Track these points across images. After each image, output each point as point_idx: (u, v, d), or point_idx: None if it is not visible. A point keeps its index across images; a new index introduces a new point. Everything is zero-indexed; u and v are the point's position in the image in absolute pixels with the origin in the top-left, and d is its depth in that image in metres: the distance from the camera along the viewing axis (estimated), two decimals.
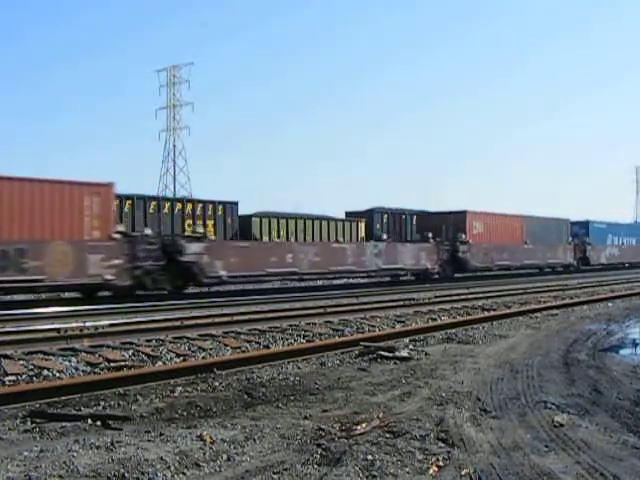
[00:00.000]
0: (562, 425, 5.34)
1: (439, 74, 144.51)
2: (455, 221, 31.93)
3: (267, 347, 10.13)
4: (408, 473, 4.28)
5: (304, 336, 11.22)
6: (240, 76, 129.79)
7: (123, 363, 8.63)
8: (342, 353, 9.19)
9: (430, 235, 30.30)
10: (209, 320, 12.87)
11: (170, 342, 10.25)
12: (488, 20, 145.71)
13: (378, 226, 32.11)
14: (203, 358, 9.13)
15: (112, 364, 8.56)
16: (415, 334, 11.01)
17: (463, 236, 31.47)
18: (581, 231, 42.37)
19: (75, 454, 4.64)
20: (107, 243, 18.82)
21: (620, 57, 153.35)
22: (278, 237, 26.95)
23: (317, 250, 25.23)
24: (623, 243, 46.92)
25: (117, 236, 19.47)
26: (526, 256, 35.20)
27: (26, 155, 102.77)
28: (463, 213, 32.26)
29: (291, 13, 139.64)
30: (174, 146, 72.16)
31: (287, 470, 4.32)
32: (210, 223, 24.94)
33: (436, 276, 29.95)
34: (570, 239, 40.24)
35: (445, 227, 31.55)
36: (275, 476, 4.23)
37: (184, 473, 4.30)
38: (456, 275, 31.43)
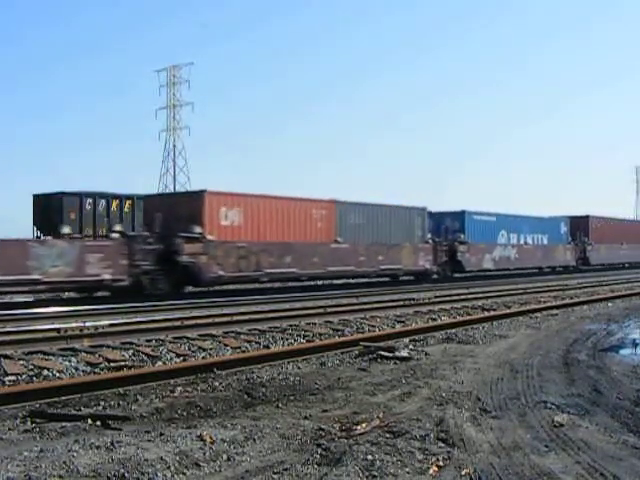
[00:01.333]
0: (562, 425, 5.34)
1: (438, 74, 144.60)
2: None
3: (267, 347, 10.12)
4: (408, 473, 4.28)
5: (304, 336, 11.22)
6: (240, 76, 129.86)
7: (123, 363, 8.63)
8: (342, 353, 9.19)
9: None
10: (209, 320, 12.87)
11: (170, 342, 10.25)
12: (488, 20, 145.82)
13: None
14: (203, 358, 9.13)
15: (112, 364, 8.55)
16: (415, 334, 11.01)
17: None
18: (453, 225, 31.54)
19: (75, 454, 4.64)
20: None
21: (620, 57, 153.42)
22: None
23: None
24: (526, 241, 36.12)
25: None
26: (332, 262, 24.19)
27: (26, 155, 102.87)
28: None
29: (291, 13, 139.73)
30: (174, 146, 72.11)
31: (287, 470, 4.32)
32: None
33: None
34: (429, 236, 29.39)
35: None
36: (275, 476, 4.23)
37: (184, 473, 4.30)
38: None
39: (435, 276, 29.42)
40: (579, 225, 40.78)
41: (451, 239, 30.89)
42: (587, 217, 41.69)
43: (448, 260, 30.46)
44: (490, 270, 32.88)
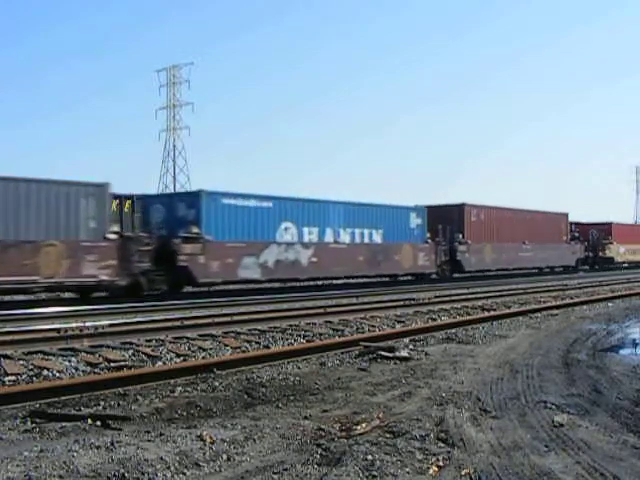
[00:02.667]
0: (562, 425, 5.34)
1: (437, 74, 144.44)
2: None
3: (267, 347, 10.12)
4: (408, 473, 4.28)
5: (304, 336, 11.22)
6: (240, 76, 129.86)
7: (123, 363, 8.63)
8: (342, 353, 9.19)
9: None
10: (209, 320, 12.86)
11: (170, 342, 10.25)
12: (488, 20, 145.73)
13: None
14: (203, 358, 9.13)
15: (112, 364, 8.56)
16: (415, 334, 11.01)
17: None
18: (187, 213, 21.16)
19: (75, 454, 4.64)
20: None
21: (620, 57, 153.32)
22: None
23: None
24: (337, 238, 25.39)
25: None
26: None
27: (26, 155, 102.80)
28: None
29: (291, 13, 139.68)
30: (174, 146, 72.21)
31: (287, 470, 4.32)
32: None
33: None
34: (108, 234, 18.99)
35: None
36: (275, 476, 4.23)
37: (184, 473, 4.30)
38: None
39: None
40: (447, 217, 30.63)
41: (165, 235, 20.62)
42: (462, 206, 31.61)
43: (168, 269, 20.29)
44: (258, 281, 22.81)
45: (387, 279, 28.71)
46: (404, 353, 8.97)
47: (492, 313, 14.66)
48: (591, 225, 45.25)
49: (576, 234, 41.72)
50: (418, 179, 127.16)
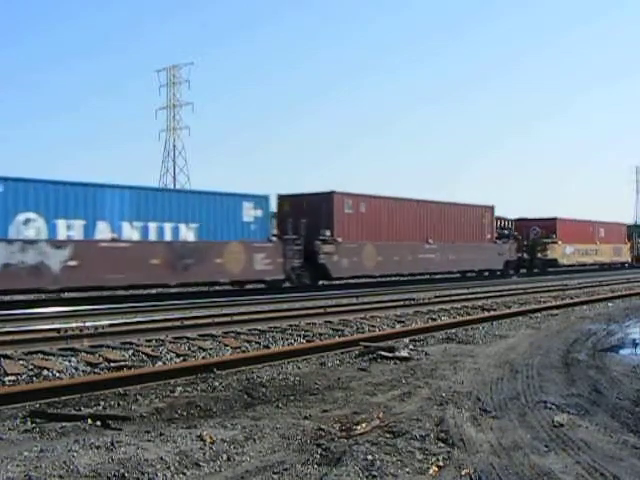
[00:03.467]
0: (562, 425, 5.34)
1: (437, 75, 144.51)
2: None
3: (267, 347, 10.12)
4: (408, 473, 4.28)
5: (304, 336, 11.22)
6: (240, 76, 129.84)
7: (123, 363, 8.63)
8: (342, 353, 9.18)
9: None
10: (209, 320, 12.86)
11: (170, 342, 10.25)
12: (488, 20, 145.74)
13: None
14: (203, 358, 9.13)
15: (112, 364, 8.56)
16: (415, 334, 11.01)
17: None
18: None
19: (75, 454, 4.64)
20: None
21: (620, 57, 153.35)
22: None
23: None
24: (116, 235, 19.19)
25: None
26: None
27: (26, 155, 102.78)
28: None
29: (291, 13, 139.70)
30: (174, 146, 72.15)
31: (287, 470, 4.32)
32: None
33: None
34: None
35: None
36: (275, 476, 4.23)
37: (184, 473, 4.30)
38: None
39: None
40: (313, 209, 24.58)
41: None
42: (330, 195, 24.91)
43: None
44: None
45: (206, 288, 22.69)
46: (404, 353, 8.96)
47: (492, 313, 14.67)
48: (534, 221, 39.42)
49: (506, 231, 35.63)
50: (418, 179, 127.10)
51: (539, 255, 38.18)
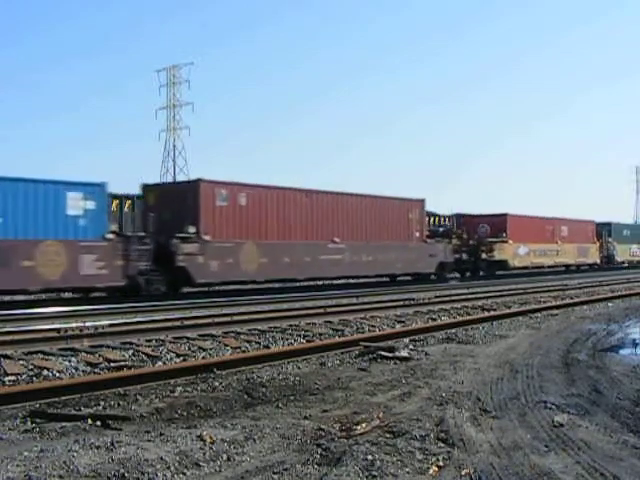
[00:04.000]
0: (562, 425, 5.34)
1: (437, 75, 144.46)
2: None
3: (267, 347, 10.12)
4: (408, 473, 4.28)
5: (304, 336, 11.21)
6: (240, 76, 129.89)
7: (123, 363, 8.63)
8: (342, 353, 9.18)
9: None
10: (209, 320, 12.86)
11: (170, 342, 10.25)
12: (488, 20, 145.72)
13: None
14: (203, 358, 9.13)
15: (112, 364, 8.55)
16: (415, 334, 11.00)
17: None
18: None
19: (75, 454, 4.64)
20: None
21: (620, 57, 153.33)
22: None
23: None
24: None
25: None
26: None
27: (26, 155, 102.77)
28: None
29: (291, 13, 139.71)
30: (174, 146, 72.11)
31: (287, 470, 4.32)
32: None
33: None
34: None
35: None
36: (275, 476, 4.23)
37: (184, 473, 4.30)
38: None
39: None
40: (178, 202, 21.18)
41: None
42: (196, 183, 21.33)
43: None
44: None
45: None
46: (404, 353, 8.96)
47: (492, 313, 14.66)
48: (483, 218, 34.90)
49: (440, 229, 32.13)
50: (418, 179, 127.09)
51: (484, 256, 32.92)
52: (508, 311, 14.93)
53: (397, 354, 8.84)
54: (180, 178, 70.64)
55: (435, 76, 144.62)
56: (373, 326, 12.57)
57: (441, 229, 32.38)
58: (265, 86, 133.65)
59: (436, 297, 19.16)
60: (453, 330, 11.64)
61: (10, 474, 4.25)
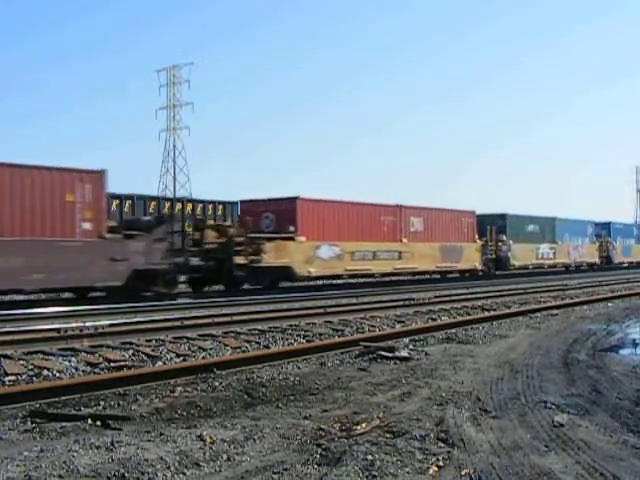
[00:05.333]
0: (562, 425, 5.34)
1: (437, 75, 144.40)
2: None
3: (267, 347, 10.12)
4: (408, 473, 4.27)
5: (304, 336, 11.21)
6: (240, 76, 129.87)
7: (123, 363, 8.63)
8: (342, 353, 9.18)
9: None
10: (209, 320, 12.86)
11: (170, 342, 10.25)
12: (488, 20, 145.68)
13: None
14: (203, 358, 9.13)
15: (112, 364, 8.55)
16: (415, 334, 11.00)
17: None
18: None
19: (75, 454, 4.64)
20: None
21: (621, 57, 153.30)
22: None
23: None
24: None
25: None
26: None
27: (26, 155, 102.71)
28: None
29: (291, 13, 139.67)
30: (174, 146, 72.15)
31: (287, 470, 4.32)
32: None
33: None
34: None
35: None
36: (275, 476, 4.23)
37: (184, 473, 4.30)
38: None
39: None
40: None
41: None
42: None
43: None
44: None
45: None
46: (404, 353, 8.96)
47: (492, 313, 14.67)
48: (270, 203, 24.84)
49: (147, 219, 21.32)
50: (418, 179, 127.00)
51: (241, 261, 22.24)
52: (508, 311, 14.94)
53: (397, 354, 8.84)
54: (180, 178, 70.73)
55: (435, 76, 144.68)
56: (373, 326, 12.57)
57: (147, 219, 21.40)
58: (265, 86, 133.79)
59: (436, 297, 19.17)
60: (453, 330, 11.64)
61: (10, 474, 4.25)
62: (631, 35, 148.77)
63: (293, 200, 23.96)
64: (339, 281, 26.29)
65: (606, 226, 47.11)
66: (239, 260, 22.15)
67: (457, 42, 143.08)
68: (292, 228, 23.69)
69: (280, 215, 24.09)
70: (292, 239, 23.57)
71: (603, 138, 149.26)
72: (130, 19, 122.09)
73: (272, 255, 22.86)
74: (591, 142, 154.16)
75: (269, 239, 23.13)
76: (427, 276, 31.11)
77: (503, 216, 35.34)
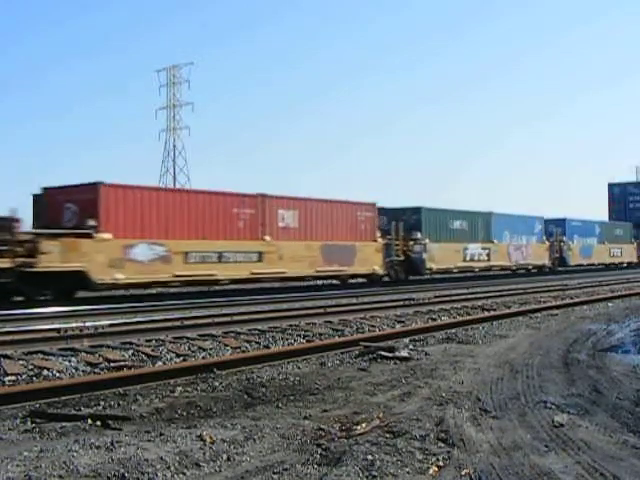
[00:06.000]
0: (562, 425, 5.34)
1: (437, 75, 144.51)
2: None
3: (267, 347, 10.13)
4: (408, 473, 4.28)
5: (304, 336, 11.22)
6: (240, 76, 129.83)
7: (123, 363, 8.63)
8: (342, 353, 9.18)
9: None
10: (209, 320, 12.86)
11: (170, 342, 10.25)
12: (488, 20, 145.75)
13: None
14: (203, 358, 9.13)
15: (112, 364, 8.55)
16: (415, 334, 11.00)
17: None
18: None
19: (75, 454, 4.64)
20: None
21: (621, 57, 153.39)
22: None
23: None
24: None
25: None
26: None
27: (26, 155, 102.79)
28: None
29: (291, 13, 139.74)
30: (174, 146, 72.20)
31: (287, 470, 4.32)
32: None
33: None
34: None
35: None
36: (275, 476, 4.23)
37: (184, 473, 4.30)
38: None
39: None
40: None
41: None
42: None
43: None
44: None
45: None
46: (404, 353, 8.96)
47: (492, 313, 14.67)
48: (72, 192, 19.48)
49: None
50: (418, 179, 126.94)
51: (2, 265, 16.72)
52: (508, 311, 14.94)
53: (397, 354, 8.85)
54: (180, 178, 70.71)
55: (435, 76, 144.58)
56: (373, 326, 12.57)
57: None
58: (265, 86, 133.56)
59: (436, 297, 19.17)
60: (453, 330, 11.64)
61: (10, 474, 4.25)
62: (631, 35, 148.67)
63: (95, 186, 18.72)
64: (172, 290, 20.63)
65: (560, 223, 40.54)
66: (0, 263, 16.66)
67: (457, 42, 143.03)
68: (92, 222, 18.39)
69: (82, 206, 18.93)
70: (89, 236, 18.19)
71: (603, 138, 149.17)
72: (130, 19, 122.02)
73: (57, 257, 17.45)
74: (591, 142, 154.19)
75: (51, 236, 17.61)
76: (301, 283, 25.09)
77: (417, 210, 29.35)
